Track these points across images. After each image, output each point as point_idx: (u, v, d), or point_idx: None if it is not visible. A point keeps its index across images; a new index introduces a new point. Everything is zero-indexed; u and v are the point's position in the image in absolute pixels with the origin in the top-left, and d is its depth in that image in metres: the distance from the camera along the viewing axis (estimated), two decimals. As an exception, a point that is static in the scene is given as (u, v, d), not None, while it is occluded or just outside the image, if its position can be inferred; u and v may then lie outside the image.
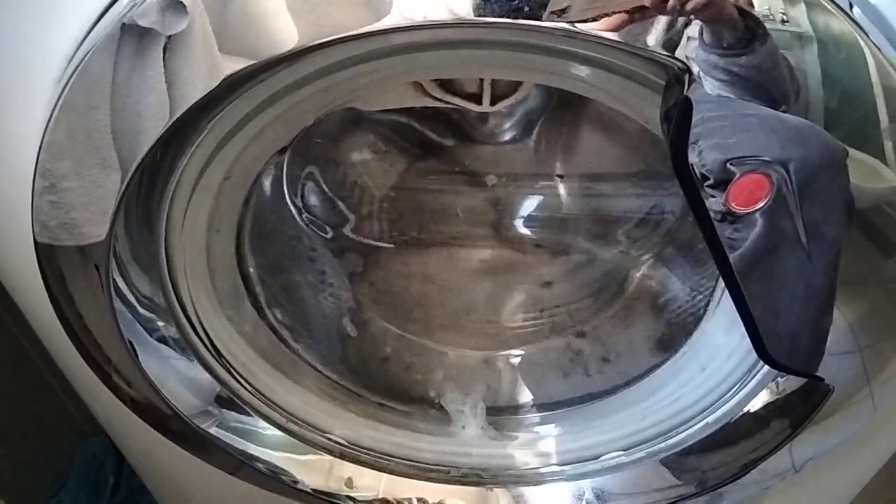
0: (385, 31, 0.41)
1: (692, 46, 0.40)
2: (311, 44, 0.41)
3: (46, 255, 0.49)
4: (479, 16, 0.40)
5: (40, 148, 0.45)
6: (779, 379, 0.57)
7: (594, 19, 0.40)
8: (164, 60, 0.42)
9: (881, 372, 0.53)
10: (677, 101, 0.43)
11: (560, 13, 0.39)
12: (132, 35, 0.41)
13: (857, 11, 0.42)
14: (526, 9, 0.39)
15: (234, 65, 0.41)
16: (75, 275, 0.50)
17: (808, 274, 0.46)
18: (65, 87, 0.43)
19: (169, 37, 0.41)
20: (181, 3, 0.40)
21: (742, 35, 0.40)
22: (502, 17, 0.40)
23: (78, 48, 0.43)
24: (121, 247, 0.51)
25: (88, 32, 0.43)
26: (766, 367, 0.57)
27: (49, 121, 0.44)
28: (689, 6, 0.39)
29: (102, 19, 0.43)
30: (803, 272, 0.46)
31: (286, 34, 0.40)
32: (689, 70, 0.41)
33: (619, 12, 0.39)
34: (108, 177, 0.45)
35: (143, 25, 0.41)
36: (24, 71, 0.46)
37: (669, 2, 0.39)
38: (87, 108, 0.43)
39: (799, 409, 0.56)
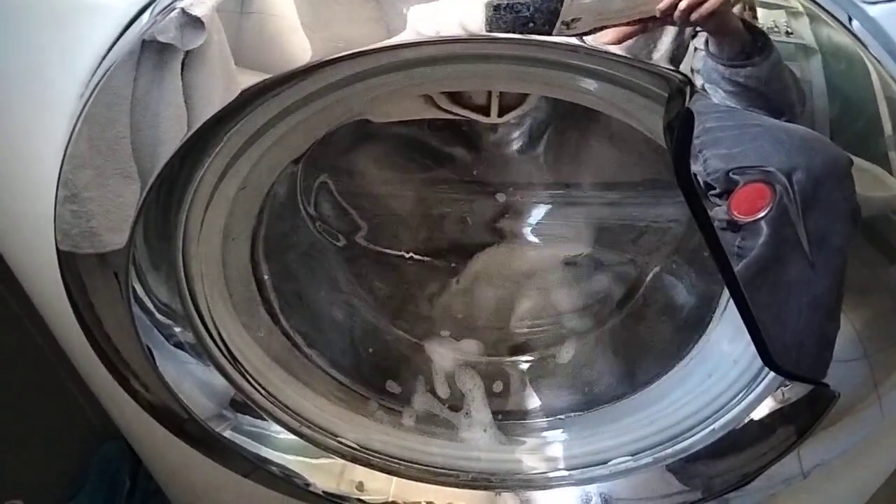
0: (397, 47, 0.41)
1: (699, 57, 0.41)
2: (324, 59, 0.41)
3: (68, 262, 0.50)
4: (491, 31, 0.40)
5: (63, 160, 0.46)
6: (783, 388, 0.57)
7: (603, 29, 0.40)
8: (181, 75, 0.42)
9: (888, 378, 0.53)
10: (679, 112, 0.43)
11: (570, 24, 0.40)
12: (152, 51, 0.42)
13: (856, 25, 0.42)
14: (535, 24, 0.40)
15: (250, 79, 0.42)
16: (95, 282, 0.51)
17: (814, 281, 0.46)
18: (87, 102, 0.44)
19: (187, 52, 0.42)
20: (199, 19, 0.41)
21: (747, 46, 0.40)
22: (513, 32, 0.40)
23: (100, 64, 0.44)
24: (139, 254, 0.52)
25: (110, 49, 0.44)
26: (772, 374, 0.57)
27: (72, 134, 0.45)
28: (693, 17, 0.39)
29: (123, 36, 0.44)
30: (809, 280, 0.46)
31: (300, 50, 0.41)
32: (690, 82, 0.42)
33: (629, 23, 0.40)
34: (128, 187, 0.46)
35: (162, 41, 0.41)
36: (48, 86, 0.46)
37: (675, 13, 0.39)
38: (109, 122, 0.44)
39: (805, 416, 0.56)
